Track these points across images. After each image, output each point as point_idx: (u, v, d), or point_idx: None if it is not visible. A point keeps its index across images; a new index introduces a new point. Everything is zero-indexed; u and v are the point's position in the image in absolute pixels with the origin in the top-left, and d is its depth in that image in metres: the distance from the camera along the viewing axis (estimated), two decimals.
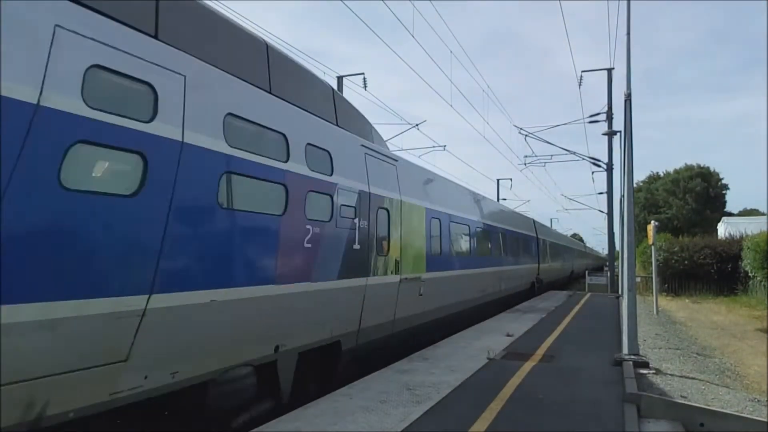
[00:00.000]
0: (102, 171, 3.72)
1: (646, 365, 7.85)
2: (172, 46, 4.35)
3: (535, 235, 23.13)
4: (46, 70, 3.28)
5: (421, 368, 7.13)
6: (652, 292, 18.71)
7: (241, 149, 4.84)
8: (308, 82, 6.71)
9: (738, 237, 26.66)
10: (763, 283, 21.39)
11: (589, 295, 22.78)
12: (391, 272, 8.10)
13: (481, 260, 13.54)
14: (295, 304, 5.61)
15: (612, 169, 24.32)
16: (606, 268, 30.56)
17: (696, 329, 14.71)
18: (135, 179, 3.84)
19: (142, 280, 3.85)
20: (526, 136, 24.19)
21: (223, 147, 4.63)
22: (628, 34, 8.77)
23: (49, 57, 3.31)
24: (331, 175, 6.36)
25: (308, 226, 5.77)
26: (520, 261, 19.17)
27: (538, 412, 5.25)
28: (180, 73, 4.29)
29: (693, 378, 7.75)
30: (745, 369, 9.64)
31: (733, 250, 25.00)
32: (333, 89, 7.37)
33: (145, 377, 3.97)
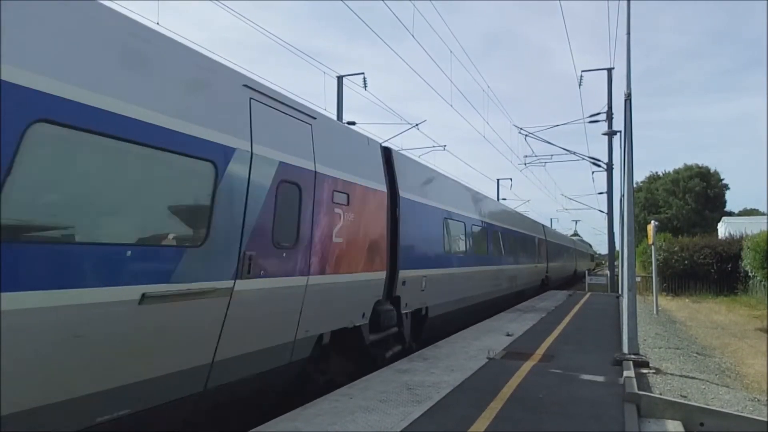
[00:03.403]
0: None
1: (646, 365, 7.85)
2: None
3: (385, 189, 8.19)
4: None
5: (421, 368, 7.13)
6: (652, 292, 18.71)
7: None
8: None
9: (738, 237, 26.68)
10: (763, 282, 21.40)
11: (589, 294, 22.78)
12: None
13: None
14: None
15: (612, 169, 24.32)
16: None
17: (696, 329, 14.71)
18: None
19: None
20: (526, 136, 24.18)
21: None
22: (628, 34, 8.77)
23: None
24: None
25: None
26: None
27: (538, 412, 5.25)
28: None
29: (693, 377, 7.75)
30: (745, 368, 9.64)
31: (733, 249, 25.02)
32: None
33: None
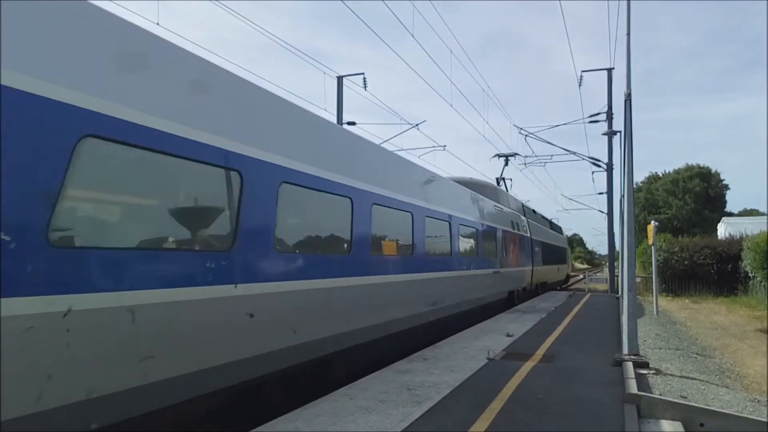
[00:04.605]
0: None
1: (646, 365, 7.84)
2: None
3: None
4: None
5: (421, 368, 7.13)
6: (652, 293, 18.71)
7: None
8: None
9: (738, 237, 26.67)
10: (763, 283, 21.40)
11: (588, 295, 22.79)
12: None
13: None
14: None
15: (612, 169, 24.30)
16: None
17: (696, 329, 14.72)
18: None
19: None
20: (526, 136, 24.23)
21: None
22: (628, 34, 8.76)
23: None
24: None
25: None
26: None
27: (538, 412, 5.24)
28: None
29: (693, 378, 7.75)
30: (745, 369, 9.64)
31: (733, 250, 25.01)
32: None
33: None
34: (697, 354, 10.44)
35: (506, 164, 26.44)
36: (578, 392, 6.05)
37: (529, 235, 20.89)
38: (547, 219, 30.17)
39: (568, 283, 37.88)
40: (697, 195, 57.98)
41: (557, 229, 34.27)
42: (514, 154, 26.34)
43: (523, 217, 20.80)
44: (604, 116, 23.79)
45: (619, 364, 7.52)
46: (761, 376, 8.93)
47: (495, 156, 26.40)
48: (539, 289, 23.51)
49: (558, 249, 31.04)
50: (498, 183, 25.44)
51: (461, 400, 5.66)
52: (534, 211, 25.51)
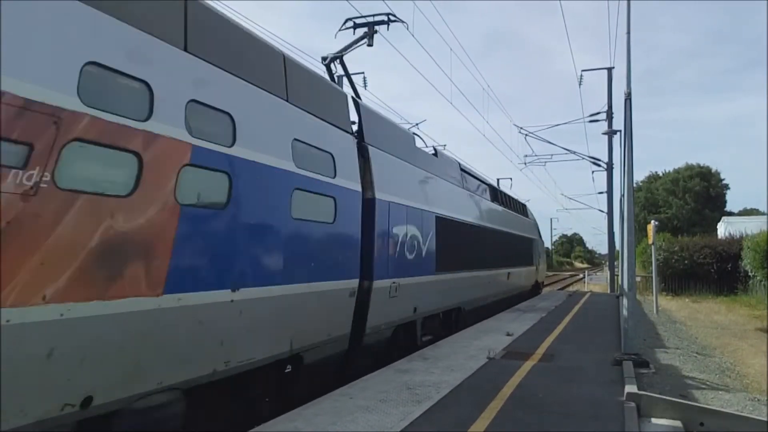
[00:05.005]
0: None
1: (646, 365, 7.85)
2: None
3: None
4: None
5: (421, 368, 7.13)
6: (652, 292, 18.72)
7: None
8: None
9: (738, 237, 26.69)
10: (763, 282, 21.42)
11: (588, 294, 22.80)
12: None
13: None
14: None
15: (612, 168, 24.30)
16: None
17: (696, 329, 14.73)
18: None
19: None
20: (526, 135, 24.17)
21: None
22: (628, 33, 8.77)
23: None
24: None
25: None
26: None
27: (538, 412, 5.25)
28: None
29: (693, 377, 7.76)
30: (745, 368, 9.65)
31: (733, 249, 25.03)
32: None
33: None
34: (696, 353, 10.45)
35: (368, 40, 10.71)
36: (578, 391, 6.05)
37: (360, 190, 7.32)
38: (487, 183, 15.94)
39: (539, 293, 23.57)
40: (697, 194, 57.93)
41: (515, 206, 19.69)
42: (388, 21, 10.85)
43: (334, 135, 6.98)
44: (604, 116, 23.80)
45: (619, 363, 7.52)
46: (761, 375, 8.94)
47: (346, 26, 10.81)
48: (419, 336, 9.55)
49: (516, 240, 18.19)
50: (331, 75, 10.30)
51: (461, 399, 5.66)
52: (436, 152, 12.82)
